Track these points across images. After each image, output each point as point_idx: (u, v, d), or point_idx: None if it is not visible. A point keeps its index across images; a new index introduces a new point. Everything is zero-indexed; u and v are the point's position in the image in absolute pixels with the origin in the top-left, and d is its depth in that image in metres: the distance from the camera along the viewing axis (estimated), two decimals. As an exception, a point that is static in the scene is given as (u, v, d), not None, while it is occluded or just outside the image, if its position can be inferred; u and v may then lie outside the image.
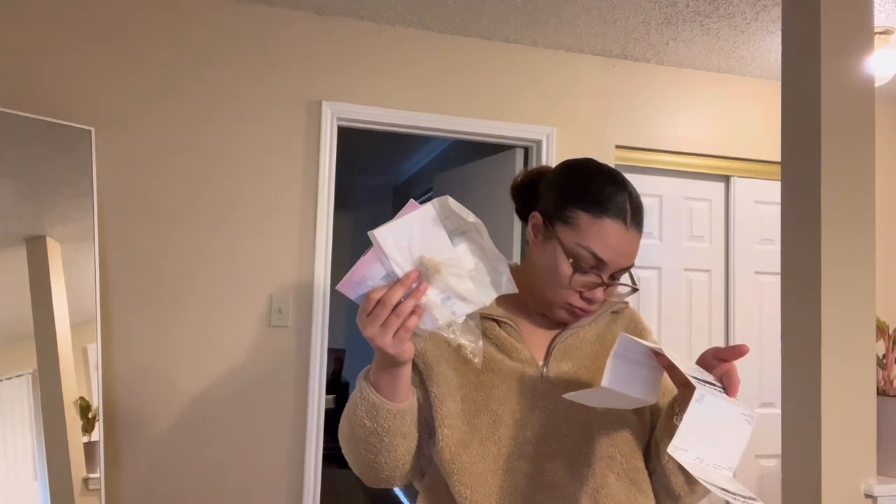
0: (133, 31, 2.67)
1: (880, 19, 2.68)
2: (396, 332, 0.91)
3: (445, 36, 3.01)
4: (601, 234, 1.05)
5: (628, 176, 1.16)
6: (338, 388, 6.12)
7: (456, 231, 0.93)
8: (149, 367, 2.59)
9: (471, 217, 0.92)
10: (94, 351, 2.40)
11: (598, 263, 1.06)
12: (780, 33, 2.85)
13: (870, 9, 2.02)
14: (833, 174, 1.93)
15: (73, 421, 2.31)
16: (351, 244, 5.75)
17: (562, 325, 1.18)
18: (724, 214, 3.42)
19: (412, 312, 0.91)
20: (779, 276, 2.06)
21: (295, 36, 2.83)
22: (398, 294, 0.90)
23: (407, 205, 0.92)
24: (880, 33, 2.73)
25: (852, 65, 1.98)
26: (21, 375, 2.24)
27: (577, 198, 1.08)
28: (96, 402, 2.38)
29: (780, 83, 2.10)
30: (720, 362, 0.97)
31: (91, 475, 2.32)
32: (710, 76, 3.33)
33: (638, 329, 1.23)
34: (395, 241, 0.90)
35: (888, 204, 3.36)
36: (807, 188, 1.97)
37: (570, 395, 1.00)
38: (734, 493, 0.84)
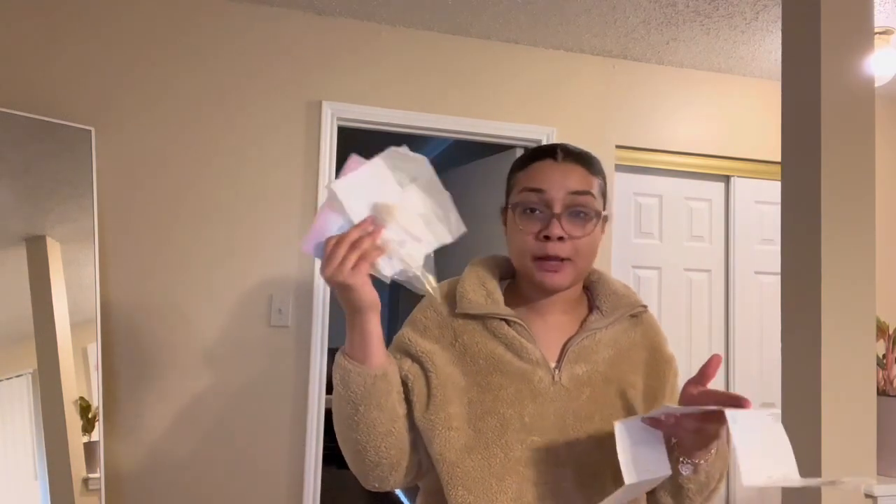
0: (133, 31, 2.67)
1: (880, 19, 2.68)
2: (356, 263, 0.92)
3: (445, 36, 3.01)
4: (530, 172, 1.12)
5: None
6: (338, 388, 6.09)
7: (406, 178, 0.97)
8: (149, 367, 2.59)
9: (418, 157, 0.96)
10: (94, 351, 2.40)
11: (539, 198, 1.08)
12: (780, 33, 2.85)
13: (870, 9, 2.02)
14: (833, 174, 1.93)
15: (73, 421, 2.31)
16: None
17: (578, 325, 1.14)
18: (724, 214, 3.42)
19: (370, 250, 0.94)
20: (779, 276, 2.06)
21: (295, 36, 2.83)
22: (355, 234, 0.93)
23: (350, 160, 0.95)
24: (880, 33, 2.73)
25: (852, 65, 1.97)
26: (21, 375, 2.24)
27: (515, 169, 1.16)
28: (96, 402, 2.38)
29: (780, 83, 2.10)
30: (705, 387, 0.96)
31: (91, 475, 2.32)
32: (710, 76, 3.33)
33: (658, 339, 1.19)
34: (351, 191, 0.94)
35: (888, 204, 3.35)
36: (807, 188, 1.96)
37: None
38: (829, 482, 0.90)
